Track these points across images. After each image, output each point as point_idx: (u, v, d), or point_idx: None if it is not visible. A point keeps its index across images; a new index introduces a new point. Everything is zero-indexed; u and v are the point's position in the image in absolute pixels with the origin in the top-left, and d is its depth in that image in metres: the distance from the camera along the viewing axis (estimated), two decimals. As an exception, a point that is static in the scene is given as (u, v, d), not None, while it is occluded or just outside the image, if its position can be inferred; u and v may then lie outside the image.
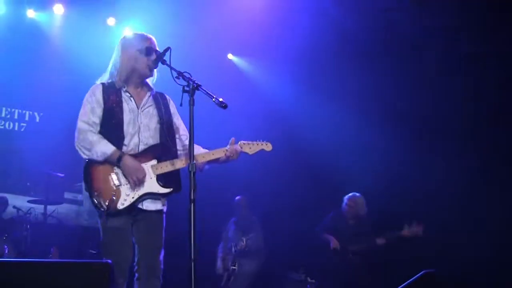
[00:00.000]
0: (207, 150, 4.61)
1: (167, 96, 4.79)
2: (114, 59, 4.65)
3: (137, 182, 4.31)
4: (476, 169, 8.40)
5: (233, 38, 9.76)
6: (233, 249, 8.64)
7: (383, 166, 9.10)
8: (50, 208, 8.64)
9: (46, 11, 9.69)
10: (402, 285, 4.38)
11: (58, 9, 9.63)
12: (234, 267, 8.51)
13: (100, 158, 4.32)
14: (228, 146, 4.59)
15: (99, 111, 4.46)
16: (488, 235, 7.99)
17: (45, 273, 3.01)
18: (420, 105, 9.08)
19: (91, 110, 4.47)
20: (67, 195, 9.78)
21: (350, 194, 8.34)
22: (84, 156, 4.40)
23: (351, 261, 7.98)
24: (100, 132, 4.43)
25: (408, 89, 9.14)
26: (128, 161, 4.31)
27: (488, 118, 8.60)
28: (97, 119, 4.45)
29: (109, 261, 3.25)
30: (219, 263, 8.76)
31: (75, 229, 9.27)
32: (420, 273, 4.43)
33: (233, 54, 10.42)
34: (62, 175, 8.87)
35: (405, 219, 7.90)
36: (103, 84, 4.59)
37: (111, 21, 9.70)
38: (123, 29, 9.52)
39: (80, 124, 4.44)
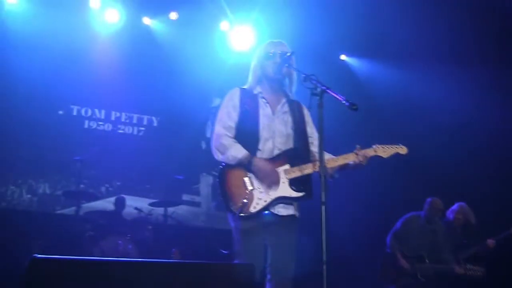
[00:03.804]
0: (337, 156, 4.56)
1: (302, 105, 4.81)
2: (251, 66, 4.80)
3: (270, 183, 4.35)
4: None
5: (345, 38, 9.69)
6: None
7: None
8: (170, 209, 8.82)
9: (161, 18, 10.00)
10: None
11: (173, 16, 9.92)
12: None
13: (232, 162, 4.40)
14: (359, 150, 4.53)
15: (234, 115, 4.56)
16: None
17: (189, 274, 3.09)
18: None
19: (227, 114, 4.57)
20: (185, 197, 10.07)
21: (456, 206, 8.22)
22: (218, 159, 4.50)
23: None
24: (236, 136, 4.53)
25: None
26: (259, 163, 4.35)
27: None
28: (232, 123, 4.55)
29: (252, 263, 3.29)
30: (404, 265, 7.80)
31: (194, 230, 9.45)
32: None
33: (347, 55, 10.35)
34: (181, 177, 9.08)
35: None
36: (241, 89, 4.70)
37: (224, 25, 9.86)
38: (237, 32, 9.69)
39: (217, 128, 4.56)
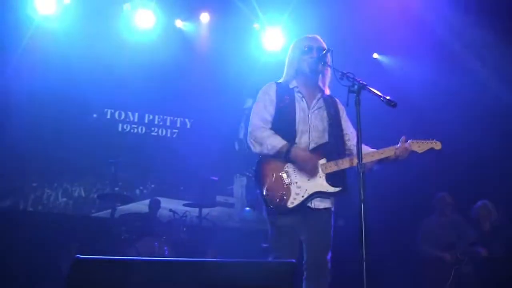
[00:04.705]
0: (375, 150, 4.56)
1: (336, 99, 4.81)
2: (286, 61, 4.82)
3: (312, 169, 4.35)
4: None
5: (378, 37, 9.65)
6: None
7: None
8: (204, 211, 8.83)
9: (193, 20, 10.05)
10: None
11: (204, 17, 9.96)
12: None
13: (270, 152, 4.40)
14: (399, 145, 4.53)
15: (271, 109, 4.59)
16: None
17: (229, 273, 3.07)
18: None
19: (264, 107, 4.60)
20: (219, 198, 10.11)
21: (479, 203, 8.22)
22: (255, 151, 4.51)
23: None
24: (272, 129, 4.53)
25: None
26: (298, 151, 4.36)
27: None
28: (269, 116, 4.57)
29: (293, 260, 3.26)
30: (444, 256, 7.95)
31: (229, 231, 9.45)
32: None
33: (379, 53, 10.33)
34: (216, 178, 9.10)
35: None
36: (276, 83, 4.72)
37: (256, 26, 9.89)
38: (268, 33, 9.72)
39: (254, 120, 4.58)
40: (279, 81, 4.76)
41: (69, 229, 8.49)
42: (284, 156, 4.38)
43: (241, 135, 10.29)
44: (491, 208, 8.13)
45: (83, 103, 9.59)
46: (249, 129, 4.58)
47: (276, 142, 4.40)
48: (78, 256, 2.87)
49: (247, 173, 10.05)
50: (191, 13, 9.99)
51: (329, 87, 4.78)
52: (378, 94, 3.99)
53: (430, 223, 8.43)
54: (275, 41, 9.74)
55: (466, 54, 9.27)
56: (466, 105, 9.19)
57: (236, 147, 10.45)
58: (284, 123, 4.53)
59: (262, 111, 4.59)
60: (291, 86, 4.68)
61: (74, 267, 2.86)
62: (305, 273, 4.42)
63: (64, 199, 9.49)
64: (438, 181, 9.19)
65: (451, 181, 9.13)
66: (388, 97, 3.95)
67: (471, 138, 9.17)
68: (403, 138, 4.54)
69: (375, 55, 10.34)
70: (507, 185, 8.62)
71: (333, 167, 4.42)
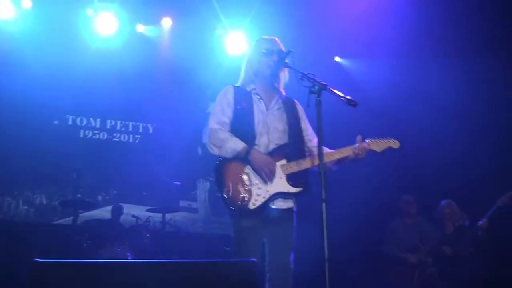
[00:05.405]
0: (334, 150, 4.58)
1: (295, 101, 4.84)
2: (243, 63, 4.84)
3: (268, 174, 4.34)
4: None
5: (339, 40, 9.71)
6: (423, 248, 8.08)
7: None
8: (168, 216, 8.77)
9: (155, 25, 10.00)
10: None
11: (166, 22, 9.92)
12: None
13: (230, 155, 4.40)
14: (357, 144, 4.55)
15: (229, 112, 4.59)
16: None
17: (190, 274, 3.06)
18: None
19: (221, 111, 4.60)
20: (182, 203, 10.05)
21: (442, 202, 8.27)
22: (214, 153, 4.50)
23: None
24: (231, 132, 4.52)
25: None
26: (256, 154, 4.37)
27: None
28: (227, 119, 4.57)
29: (254, 259, 3.25)
30: (408, 257, 8.03)
31: (192, 236, 9.42)
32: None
33: (340, 56, 10.40)
34: (179, 183, 9.06)
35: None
36: (234, 86, 4.73)
37: (218, 31, 9.88)
38: (231, 38, 9.72)
39: (212, 124, 4.58)
40: (236, 85, 4.77)
41: (30, 237, 8.35)
42: (242, 158, 4.38)
43: (204, 140, 10.26)
44: (455, 207, 8.22)
45: (44, 109, 9.48)
46: (208, 133, 4.57)
47: (235, 145, 4.40)
48: (36, 260, 2.83)
49: (211, 178, 10.04)
50: (152, 17, 9.92)
51: (285, 89, 4.81)
52: (338, 94, 4.01)
53: (395, 225, 8.51)
54: (237, 45, 9.74)
55: (427, 54, 9.37)
56: (428, 104, 9.30)
57: (199, 151, 10.42)
58: (242, 126, 4.54)
59: (219, 114, 4.59)
60: (248, 89, 4.70)
61: (32, 270, 2.83)
62: (267, 274, 4.40)
63: (25, 207, 9.37)
64: (403, 182, 9.26)
65: (416, 182, 9.22)
66: (348, 97, 3.98)
67: (433, 138, 9.30)
68: (359, 137, 4.58)
69: (337, 59, 10.39)
70: (471, 184, 8.71)
71: (293, 167, 4.43)
